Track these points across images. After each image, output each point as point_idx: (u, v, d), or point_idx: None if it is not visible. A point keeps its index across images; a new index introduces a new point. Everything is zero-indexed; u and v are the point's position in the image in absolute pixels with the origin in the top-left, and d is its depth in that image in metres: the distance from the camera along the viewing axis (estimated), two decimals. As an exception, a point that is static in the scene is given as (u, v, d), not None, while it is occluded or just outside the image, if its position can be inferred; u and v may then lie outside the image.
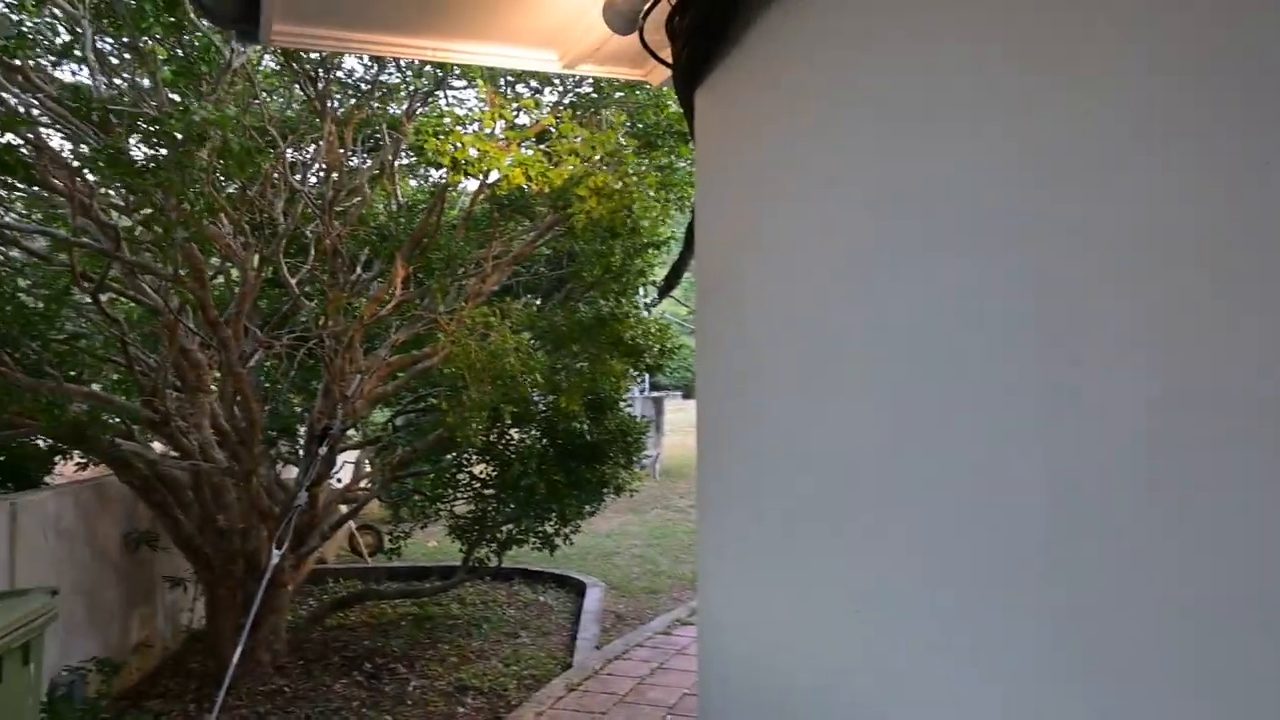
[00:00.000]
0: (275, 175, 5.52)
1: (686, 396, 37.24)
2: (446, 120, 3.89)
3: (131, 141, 3.55)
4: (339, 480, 7.76)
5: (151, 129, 3.10)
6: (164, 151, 3.12)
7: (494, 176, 5.01)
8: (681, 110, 3.11)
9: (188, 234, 3.49)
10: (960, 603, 1.69)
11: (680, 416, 26.34)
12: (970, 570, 1.67)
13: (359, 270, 6.09)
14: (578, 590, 8.09)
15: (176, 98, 4.25)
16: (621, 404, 6.51)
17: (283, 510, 5.07)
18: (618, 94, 5.43)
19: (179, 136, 3.09)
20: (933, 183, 1.77)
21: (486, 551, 6.76)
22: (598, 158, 4.05)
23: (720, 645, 2.61)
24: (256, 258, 5.08)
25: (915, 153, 1.81)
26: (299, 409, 7.44)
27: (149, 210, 3.35)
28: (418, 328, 5.59)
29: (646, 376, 6.22)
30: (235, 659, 4.06)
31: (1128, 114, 1.39)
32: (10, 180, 4.72)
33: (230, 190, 5.42)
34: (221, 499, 5.41)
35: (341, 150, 4.87)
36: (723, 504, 2.53)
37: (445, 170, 4.12)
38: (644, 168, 4.55)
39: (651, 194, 4.49)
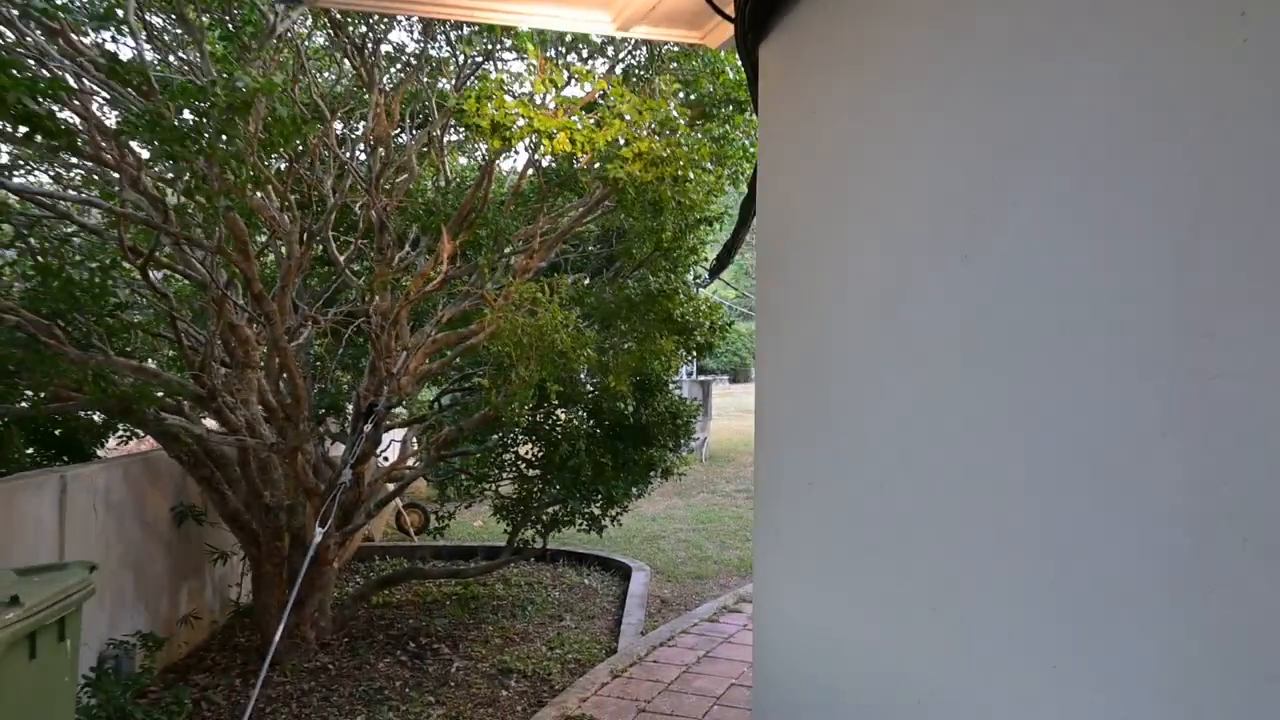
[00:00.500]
0: (324, 150, 5.46)
1: (734, 381, 37.04)
2: (490, 83, 3.74)
3: (176, 111, 3.46)
4: (385, 459, 7.75)
5: (195, 96, 3.01)
6: (208, 120, 3.03)
7: (540, 148, 4.86)
8: (741, 73, 2.93)
9: (230, 203, 3.40)
10: (1071, 615, 1.50)
11: (727, 401, 26.14)
12: (1086, 581, 1.47)
13: (406, 247, 6.02)
14: (623, 574, 7.99)
15: (226, 75, 4.19)
16: (671, 385, 6.35)
17: (328, 488, 5.03)
18: (672, 64, 5.24)
19: (223, 104, 2.99)
20: (1044, 133, 1.56)
21: (532, 533, 6.68)
22: (646, 124, 3.87)
23: (777, 639, 2.45)
24: (303, 233, 5.03)
25: (1025, 102, 1.61)
26: (347, 386, 7.44)
27: (191, 178, 3.27)
28: (464, 304, 5.49)
29: (694, 358, 6.03)
30: (278, 636, 4.01)
31: (1261, 56, 1.19)
32: (63, 154, 4.72)
33: (279, 166, 5.38)
34: (268, 475, 5.39)
35: (389, 123, 4.77)
36: (782, 492, 2.36)
37: (489, 141, 3.98)
38: (698, 139, 4.35)
39: (707, 166, 4.29)
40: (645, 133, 3.89)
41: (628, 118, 3.81)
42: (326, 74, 6.71)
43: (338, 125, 6.72)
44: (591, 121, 3.92)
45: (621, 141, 3.91)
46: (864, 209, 2.00)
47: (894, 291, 1.88)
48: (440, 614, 6.63)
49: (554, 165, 6.05)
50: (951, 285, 1.74)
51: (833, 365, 2.11)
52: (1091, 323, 1.48)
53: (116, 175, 4.56)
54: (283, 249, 5.55)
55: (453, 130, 7.33)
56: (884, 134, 1.94)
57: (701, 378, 19.54)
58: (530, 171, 5.99)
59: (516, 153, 5.17)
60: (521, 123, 3.80)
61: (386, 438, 7.54)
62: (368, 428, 4.82)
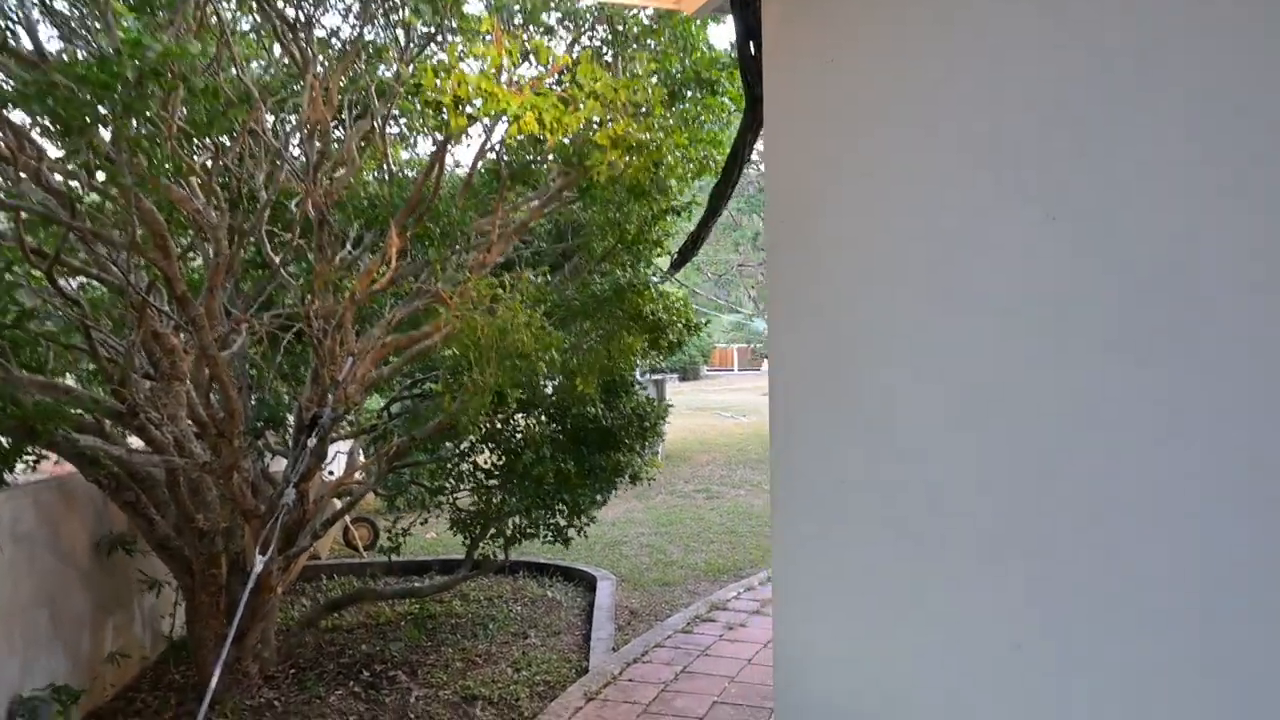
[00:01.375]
0: (254, 143, 5.00)
1: (683, 379, 36.80)
2: (445, 58, 3.35)
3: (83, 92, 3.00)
4: (331, 473, 7.26)
5: (98, 69, 2.58)
6: (114, 93, 2.60)
7: (499, 133, 4.51)
8: (715, 50, 2.61)
9: (140, 188, 2.97)
10: (1220, 666, 1.21)
11: (679, 399, 25.86)
12: (1237, 625, 1.19)
13: (349, 245, 5.58)
14: (587, 584, 7.64)
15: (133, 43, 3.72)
16: (637, 385, 6.02)
17: (268, 508, 4.58)
18: (632, 46, 4.91)
19: (130, 74, 2.57)
20: (1154, 53, 1.27)
21: (492, 547, 6.29)
22: (622, 104, 3.53)
23: (806, 675, 2.13)
24: (234, 231, 4.57)
25: (1125, 19, 1.32)
26: (287, 397, 6.94)
27: (93, 157, 2.83)
28: (415, 305, 5.08)
29: (664, 357, 5.70)
30: (215, 676, 3.56)
31: None
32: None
33: (204, 161, 4.91)
34: (201, 497, 4.91)
35: (326, 108, 4.34)
36: (804, 502, 2.05)
37: (442, 124, 3.58)
38: (670, 122, 4.03)
39: (679, 153, 3.98)
40: (622, 115, 3.55)
41: (603, 96, 3.45)
42: (256, 63, 6.23)
43: (269, 118, 6.23)
44: (558, 91, 3.56)
45: (596, 124, 3.56)
46: (905, 164, 1.70)
47: (950, 259, 1.58)
48: (395, 637, 6.20)
49: (508, 158, 5.67)
50: (1032, 250, 1.44)
51: (867, 350, 1.81)
52: (1244, 299, 1.19)
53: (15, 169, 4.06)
54: (210, 249, 5.07)
55: (393, 122, 6.89)
56: (928, 73, 1.64)
57: (654, 376, 19.27)
58: (480, 164, 5.61)
59: (469, 141, 4.78)
60: (480, 102, 3.43)
61: (332, 450, 7.07)
62: (311, 441, 4.38)
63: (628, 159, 3.59)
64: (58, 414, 3.45)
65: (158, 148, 2.85)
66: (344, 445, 7.50)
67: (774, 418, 2.09)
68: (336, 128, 5.67)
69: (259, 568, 3.66)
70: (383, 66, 5.70)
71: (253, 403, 6.45)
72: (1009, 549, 1.53)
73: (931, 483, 1.68)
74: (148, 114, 2.75)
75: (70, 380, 5.86)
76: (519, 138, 5.17)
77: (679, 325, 5.02)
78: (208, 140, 4.38)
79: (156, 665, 5.78)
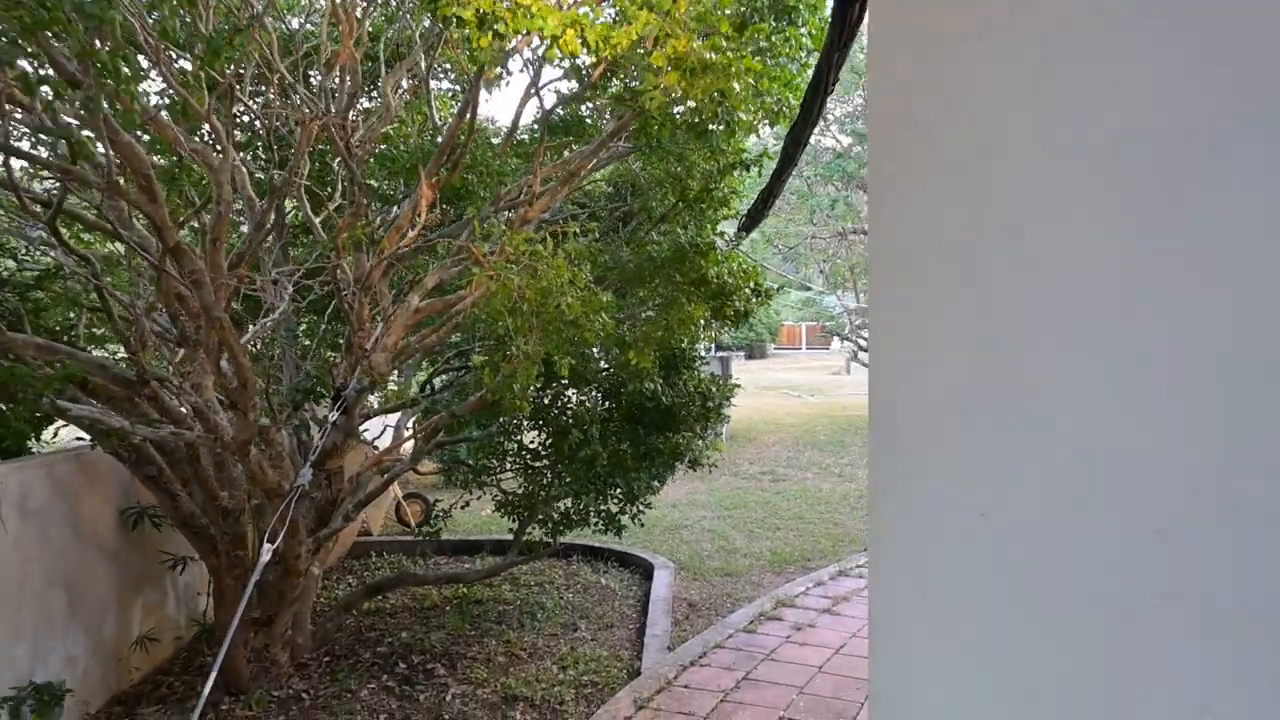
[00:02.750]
0: (290, 89, 4.58)
1: (749, 357, 35.94)
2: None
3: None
4: (375, 446, 6.92)
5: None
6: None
7: (544, 76, 3.97)
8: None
9: (100, 109, 2.53)
10: None
11: (745, 378, 25.22)
12: None
13: (395, 209, 5.16)
14: (644, 571, 7.16)
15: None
16: (700, 360, 5.46)
17: (292, 487, 4.19)
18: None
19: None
20: None
21: (540, 533, 5.83)
22: (682, 16, 2.94)
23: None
24: (270, 189, 4.17)
25: None
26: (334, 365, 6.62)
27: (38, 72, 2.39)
28: (455, 269, 4.61)
29: (729, 328, 5.10)
30: (214, 672, 3.16)
31: None
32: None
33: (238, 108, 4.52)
34: (226, 473, 4.56)
35: (351, 41, 3.87)
36: (924, 526, 1.47)
37: (473, 40, 3.06)
38: (742, 50, 3.40)
39: (750, 80, 3.38)
40: (682, 30, 2.96)
41: (657, 6, 2.87)
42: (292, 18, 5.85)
43: (315, 75, 5.85)
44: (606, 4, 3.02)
45: (650, 45, 2.99)
46: (1106, 66, 1.10)
47: (1183, 199, 0.99)
48: (438, 624, 5.82)
49: (557, 108, 5.15)
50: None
51: (1029, 326, 1.22)
52: None
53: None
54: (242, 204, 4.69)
55: (443, 76, 6.44)
56: None
57: (720, 353, 18.68)
58: (529, 113, 5.09)
59: (508, 78, 4.26)
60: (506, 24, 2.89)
61: (379, 422, 6.71)
62: (334, 416, 3.97)
63: (690, 80, 3.00)
64: (35, 378, 3.07)
65: (125, 60, 2.40)
66: (393, 418, 7.16)
67: (875, 422, 1.52)
68: (374, 79, 5.24)
69: (265, 557, 3.26)
70: (428, 18, 5.23)
71: (300, 373, 6.13)
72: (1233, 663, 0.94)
73: (1119, 515, 1.10)
74: (116, 22, 2.31)
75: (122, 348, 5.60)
76: (570, 84, 4.64)
77: (746, 291, 4.43)
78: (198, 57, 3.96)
79: (191, 646, 5.51)
